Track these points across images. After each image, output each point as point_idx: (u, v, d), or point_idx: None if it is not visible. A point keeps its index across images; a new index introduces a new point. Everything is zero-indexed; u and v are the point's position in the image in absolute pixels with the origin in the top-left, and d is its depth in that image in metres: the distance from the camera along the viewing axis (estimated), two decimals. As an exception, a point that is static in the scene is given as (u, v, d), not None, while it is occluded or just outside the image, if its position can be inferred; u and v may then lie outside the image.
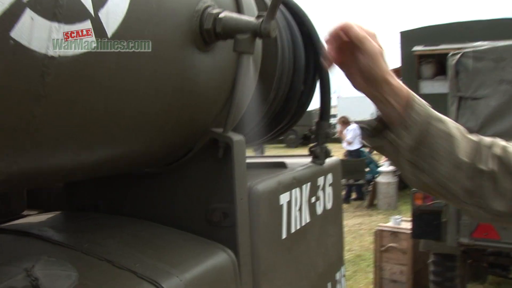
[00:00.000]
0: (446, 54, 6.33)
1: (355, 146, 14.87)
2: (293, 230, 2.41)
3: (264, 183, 2.16)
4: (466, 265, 6.67)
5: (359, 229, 11.58)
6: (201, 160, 1.99)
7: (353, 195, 14.72)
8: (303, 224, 2.55)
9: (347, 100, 38.55)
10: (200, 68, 1.72)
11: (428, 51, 12.51)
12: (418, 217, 5.88)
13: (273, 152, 27.66)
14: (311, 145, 2.88)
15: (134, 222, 2.09)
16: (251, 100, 2.23)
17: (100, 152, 1.55)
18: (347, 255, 9.55)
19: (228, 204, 1.95)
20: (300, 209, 2.50)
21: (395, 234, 7.58)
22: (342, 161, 10.19)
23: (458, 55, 5.67)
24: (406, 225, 7.40)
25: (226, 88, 1.90)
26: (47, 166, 1.42)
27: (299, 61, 2.67)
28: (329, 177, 2.95)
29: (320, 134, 2.83)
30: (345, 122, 15.64)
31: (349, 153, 15.08)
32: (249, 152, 3.29)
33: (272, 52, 2.42)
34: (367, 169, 14.30)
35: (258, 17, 1.66)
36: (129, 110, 1.50)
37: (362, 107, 33.91)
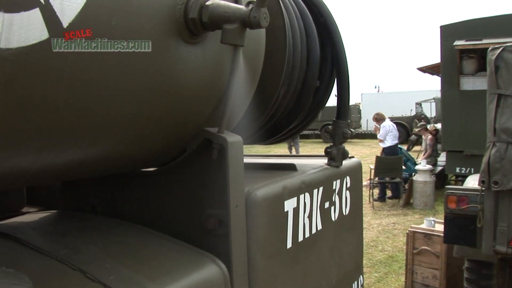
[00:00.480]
0: (489, 49, 5.97)
1: (388, 143, 14.42)
2: (300, 239, 2.22)
3: (265, 188, 1.97)
4: (504, 273, 6.29)
5: (393, 229, 11.21)
6: (195, 161, 1.83)
7: (389, 193, 14.32)
8: (314, 232, 2.35)
9: (371, 96, 37.53)
10: (187, 61, 1.55)
11: (470, 46, 11.99)
12: (451, 221, 5.55)
13: (309, 147, 27.32)
14: (327, 146, 2.67)
15: (124, 226, 1.95)
16: (254, 97, 2.05)
17: (69, 154, 1.40)
18: (379, 256, 9.26)
19: (223, 210, 1.78)
20: (310, 216, 2.30)
21: (428, 236, 7.26)
22: (377, 158, 9.84)
23: (499, 50, 5.31)
24: (441, 227, 7.07)
25: (220, 84, 1.72)
26: (5, 169, 1.27)
27: (313, 54, 2.47)
28: (347, 180, 2.74)
29: (336, 134, 2.62)
30: (378, 118, 15.20)
31: (383, 150, 14.64)
32: (262, 150, 3.09)
33: (281, 44, 2.23)
34: (403, 167, 13.88)
35: (248, 4, 1.47)
36: (99, 109, 1.34)
37: (385, 103, 33.19)
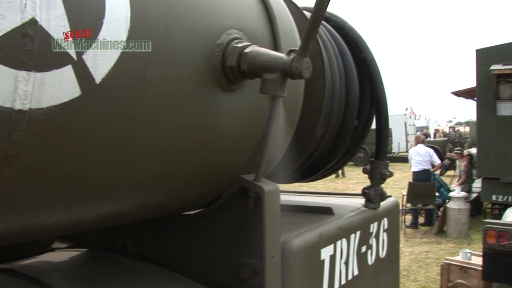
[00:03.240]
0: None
1: (417, 167, 14.06)
2: (336, 286, 2.12)
3: (301, 237, 1.88)
4: (548, 313, 5.99)
5: (426, 258, 10.92)
6: (230, 209, 1.76)
7: (421, 220, 13.97)
8: (350, 278, 2.25)
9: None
10: (224, 110, 1.49)
11: (507, 70, 11.70)
12: (490, 257, 5.33)
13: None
14: (365, 187, 2.57)
15: (155, 272, 1.89)
16: (292, 139, 1.97)
17: (100, 208, 1.35)
18: (411, 286, 9.00)
19: (258, 260, 1.70)
20: (346, 262, 2.20)
21: (464, 269, 7.01)
22: (410, 184, 9.50)
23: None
24: (477, 260, 6.81)
25: (258, 132, 1.65)
26: (35, 225, 1.23)
27: (352, 94, 2.39)
28: (384, 222, 2.63)
29: (375, 174, 2.52)
30: (417, 141, 14.80)
31: (413, 174, 14.27)
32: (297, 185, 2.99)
33: (320, 84, 2.16)
34: (437, 193, 13.55)
35: (289, 52, 1.40)
36: (131, 165, 1.29)
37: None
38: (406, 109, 46.89)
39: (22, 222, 1.17)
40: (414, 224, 13.54)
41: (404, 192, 12.89)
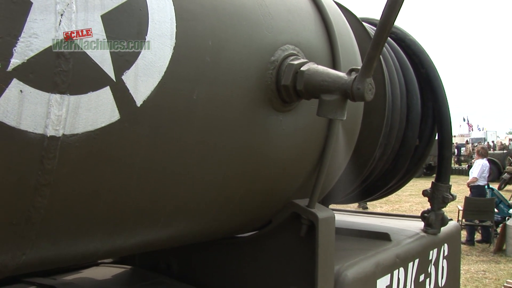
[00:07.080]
0: None
1: (480, 182, 13.44)
2: (392, 319, 1.97)
3: (356, 268, 1.75)
4: None
5: (483, 277, 10.39)
6: (281, 235, 1.65)
7: (478, 236, 13.37)
8: (407, 309, 2.09)
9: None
10: (277, 132, 1.38)
11: None
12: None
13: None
14: (424, 210, 2.41)
15: (199, 297, 1.81)
16: (349, 163, 1.85)
17: (141, 236, 1.27)
18: (467, 308, 8.58)
19: None
20: (403, 293, 2.05)
21: (526, 294, 6.61)
22: (467, 199, 9.09)
23: None
24: (541, 285, 6.41)
25: (313, 154, 1.54)
26: (71, 254, 1.16)
27: (413, 112, 2.24)
28: (445, 248, 2.46)
29: (436, 198, 2.35)
30: (481, 153, 14.06)
31: (471, 189, 13.61)
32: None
33: (380, 101, 2.02)
34: (496, 210, 12.95)
35: (350, 72, 1.28)
36: (176, 193, 1.20)
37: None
38: (464, 120, 45.44)
39: (57, 251, 1.11)
40: (470, 241, 12.96)
41: (460, 207, 12.37)
